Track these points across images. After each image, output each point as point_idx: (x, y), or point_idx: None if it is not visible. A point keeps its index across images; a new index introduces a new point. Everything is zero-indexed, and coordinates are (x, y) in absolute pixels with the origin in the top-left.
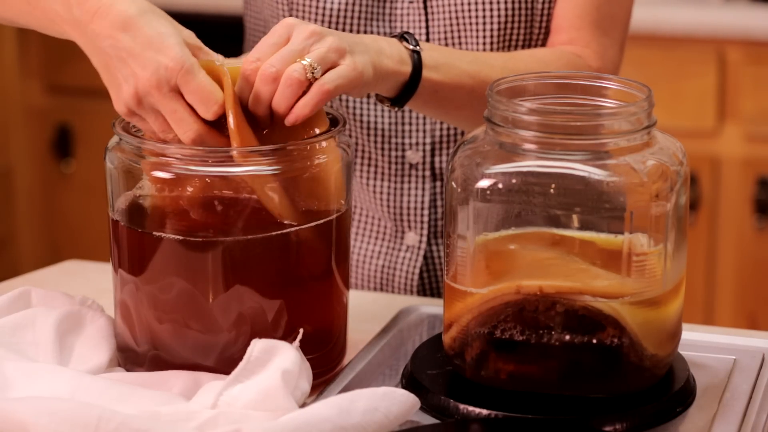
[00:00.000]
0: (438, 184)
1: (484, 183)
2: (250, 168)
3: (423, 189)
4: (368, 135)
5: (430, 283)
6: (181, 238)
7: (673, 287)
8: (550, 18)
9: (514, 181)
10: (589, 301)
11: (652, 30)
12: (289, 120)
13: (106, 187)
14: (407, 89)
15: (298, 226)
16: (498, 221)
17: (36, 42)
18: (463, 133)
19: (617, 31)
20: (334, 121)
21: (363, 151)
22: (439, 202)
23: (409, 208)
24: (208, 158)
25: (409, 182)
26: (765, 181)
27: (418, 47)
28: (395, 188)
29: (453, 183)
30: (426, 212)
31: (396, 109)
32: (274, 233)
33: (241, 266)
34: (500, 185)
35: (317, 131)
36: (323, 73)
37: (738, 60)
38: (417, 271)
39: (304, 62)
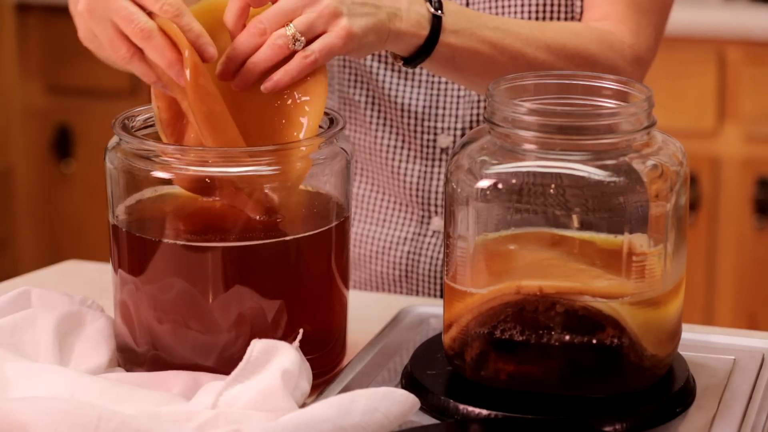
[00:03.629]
0: None
1: (484, 183)
2: (250, 168)
3: None
4: (402, 117)
5: None
6: (181, 243)
7: (673, 287)
8: None
9: (514, 181)
10: (588, 301)
11: None
12: (267, 86)
13: (106, 187)
14: (421, 51)
15: (300, 229)
16: (498, 221)
17: (36, 42)
18: None
19: (654, 15)
20: (333, 122)
21: (396, 134)
22: None
23: (437, 193)
24: (208, 158)
25: (439, 166)
26: (765, 181)
27: (440, 11)
28: (425, 172)
29: (453, 183)
30: None
31: (408, 67)
32: (274, 236)
33: (241, 267)
34: (500, 185)
35: (306, 98)
36: (307, 43)
37: (738, 60)
38: (442, 256)
39: (288, 31)
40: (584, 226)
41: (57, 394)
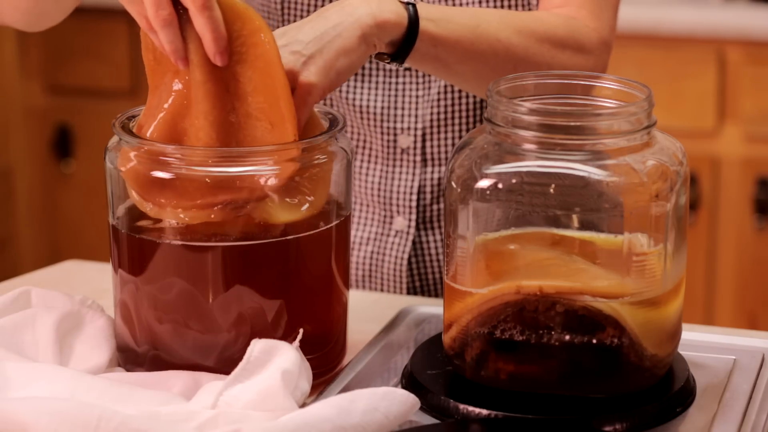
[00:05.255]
0: (428, 169)
1: (484, 183)
2: (250, 168)
3: (413, 174)
4: (361, 119)
5: (418, 269)
6: (181, 243)
7: (673, 287)
8: None
9: (514, 181)
10: (589, 301)
11: (652, 30)
12: None
13: (106, 187)
14: (405, 42)
15: (300, 229)
16: (498, 221)
17: (36, 42)
18: (453, 118)
19: None
20: (334, 121)
21: (356, 135)
22: (428, 188)
23: (398, 193)
24: (208, 158)
25: (400, 167)
26: (765, 181)
27: (412, 0)
28: (386, 172)
29: (453, 183)
30: (414, 197)
31: (395, 64)
32: (274, 236)
33: (241, 267)
34: (500, 185)
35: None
36: None
37: (738, 60)
38: (406, 256)
39: None
40: (584, 226)
41: (57, 394)
